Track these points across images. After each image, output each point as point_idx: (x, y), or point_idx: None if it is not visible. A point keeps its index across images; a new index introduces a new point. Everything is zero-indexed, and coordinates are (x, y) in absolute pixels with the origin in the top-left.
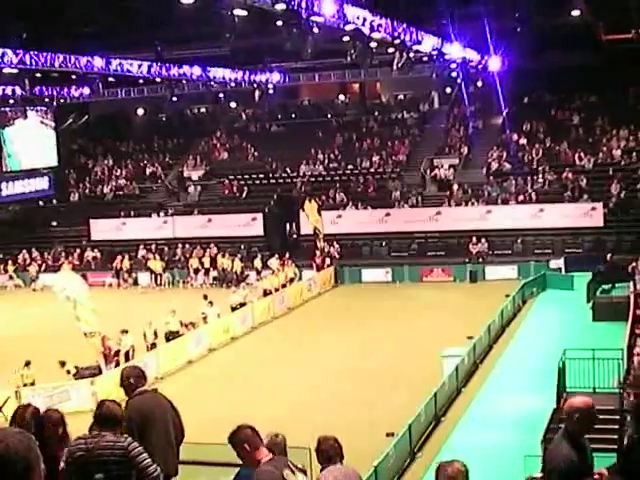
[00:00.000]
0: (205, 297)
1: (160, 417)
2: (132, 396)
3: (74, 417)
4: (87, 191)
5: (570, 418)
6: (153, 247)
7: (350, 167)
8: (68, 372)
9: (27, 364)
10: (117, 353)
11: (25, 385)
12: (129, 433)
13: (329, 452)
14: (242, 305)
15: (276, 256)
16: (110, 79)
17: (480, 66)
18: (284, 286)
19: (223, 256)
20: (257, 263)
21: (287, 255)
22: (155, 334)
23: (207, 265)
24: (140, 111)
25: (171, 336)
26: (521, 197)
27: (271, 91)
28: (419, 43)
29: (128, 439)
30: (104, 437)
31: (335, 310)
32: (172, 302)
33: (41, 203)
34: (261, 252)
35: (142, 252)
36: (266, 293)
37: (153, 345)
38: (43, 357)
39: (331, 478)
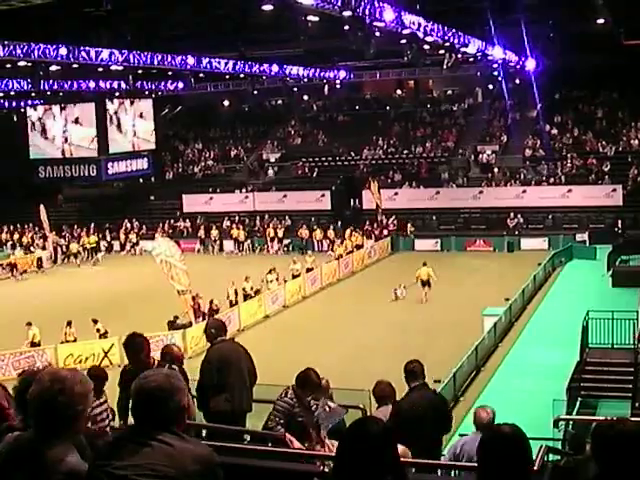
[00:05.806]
0: (273, 269)
1: (235, 361)
2: (213, 343)
3: None
4: (180, 170)
5: None
6: (236, 219)
7: (405, 152)
8: (98, 330)
9: (69, 324)
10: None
11: (68, 342)
12: (208, 373)
13: (382, 394)
14: (309, 270)
15: (351, 227)
16: (200, 75)
17: (518, 66)
18: (351, 252)
19: (302, 227)
20: (330, 233)
21: (356, 227)
22: (236, 293)
23: (280, 235)
24: (226, 102)
25: (246, 298)
26: (552, 179)
27: (338, 86)
28: (466, 46)
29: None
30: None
31: (391, 274)
32: (251, 266)
33: (141, 180)
34: (329, 224)
35: (226, 223)
36: (338, 258)
37: (236, 302)
38: (140, 310)
39: (380, 415)
